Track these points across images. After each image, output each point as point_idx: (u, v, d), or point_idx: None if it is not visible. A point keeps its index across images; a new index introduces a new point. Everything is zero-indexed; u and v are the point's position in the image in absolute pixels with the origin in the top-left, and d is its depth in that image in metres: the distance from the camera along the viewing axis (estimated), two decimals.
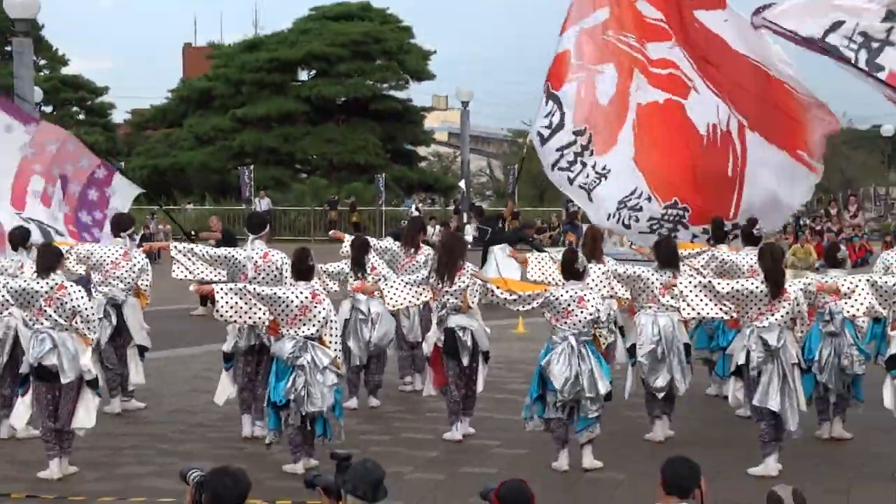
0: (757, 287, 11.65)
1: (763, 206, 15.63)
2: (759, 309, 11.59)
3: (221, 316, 11.70)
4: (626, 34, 16.23)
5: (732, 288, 11.89)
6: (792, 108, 15.54)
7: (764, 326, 11.51)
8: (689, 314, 12.30)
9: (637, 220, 16.07)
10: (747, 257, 14.00)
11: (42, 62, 56.07)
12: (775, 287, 11.54)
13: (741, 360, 11.68)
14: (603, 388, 11.62)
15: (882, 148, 69.06)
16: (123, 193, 16.18)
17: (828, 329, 12.60)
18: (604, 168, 16.00)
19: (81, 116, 58.30)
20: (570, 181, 16.32)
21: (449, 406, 13.17)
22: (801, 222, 42.12)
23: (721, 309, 11.93)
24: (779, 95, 15.55)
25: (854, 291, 11.61)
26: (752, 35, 15.54)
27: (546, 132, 16.32)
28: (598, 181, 16.07)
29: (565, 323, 11.71)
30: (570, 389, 11.43)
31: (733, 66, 15.69)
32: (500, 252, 23.06)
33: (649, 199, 15.92)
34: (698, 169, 16.00)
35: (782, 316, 11.52)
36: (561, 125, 16.23)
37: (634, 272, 13.25)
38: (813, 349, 12.79)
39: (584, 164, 16.09)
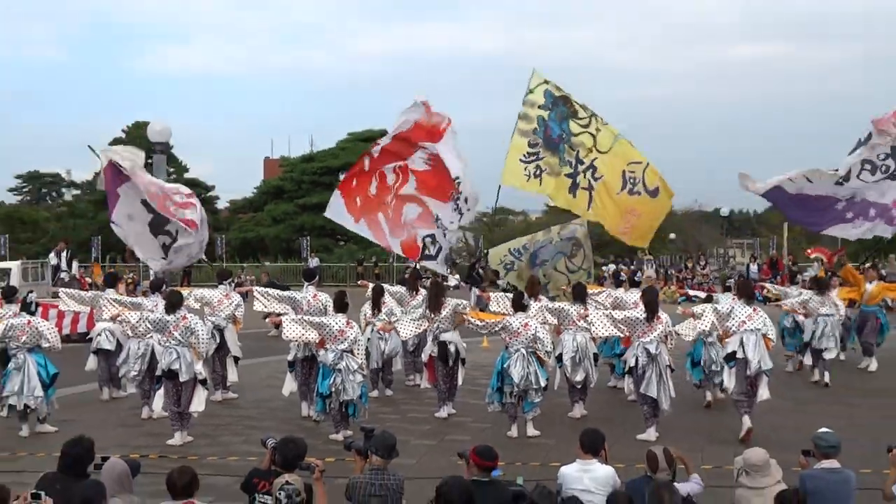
0: (641, 315, 11.71)
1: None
2: (643, 329, 11.63)
3: (286, 336, 11.70)
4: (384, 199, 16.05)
5: (625, 316, 11.95)
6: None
7: (647, 341, 11.56)
8: (597, 334, 12.35)
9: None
10: (631, 295, 14.18)
11: (171, 169, 55.74)
12: (652, 314, 11.64)
13: (632, 363, 11.72)
14: (543, 382, 11.72)
15: (721, 223, 70.13)
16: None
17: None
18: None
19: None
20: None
21: (438, 394, 13.15)
22: (669, 272, 42.07)
23: (618, 330, 11.97)
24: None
25: (703, 315, 11.76)
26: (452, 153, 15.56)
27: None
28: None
29: (516, 340, 11.75)
30: (524, 383, 11.62)
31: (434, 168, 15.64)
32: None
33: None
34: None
35: (658, 334, 11.60)
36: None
37: (559, 306, 13.36)
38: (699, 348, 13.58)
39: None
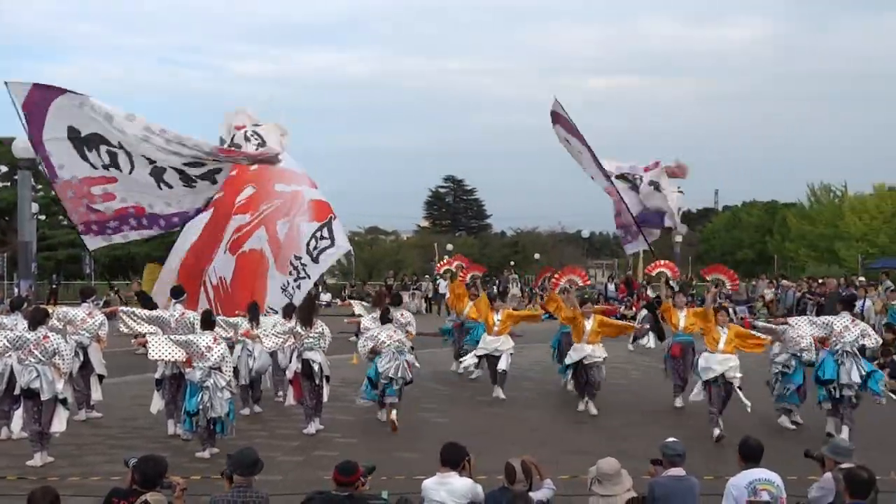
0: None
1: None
2: None
3: (152, 356, 11.42)
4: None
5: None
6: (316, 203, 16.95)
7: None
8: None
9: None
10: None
11: (38, 186, 53.66)
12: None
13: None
14: (408, 375, 12.99)
15: (582, 244, 72.20)
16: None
17: None
18: None
19: (65, 222, 55.79)
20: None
21: (305, 411, 13.01)
22: (534, 290, 42.86)
23: None
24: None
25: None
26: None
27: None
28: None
29: (387, 346, 12.90)
30: (393, 372, 12.72)
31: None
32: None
33: None
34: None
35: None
36: None
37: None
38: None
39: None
